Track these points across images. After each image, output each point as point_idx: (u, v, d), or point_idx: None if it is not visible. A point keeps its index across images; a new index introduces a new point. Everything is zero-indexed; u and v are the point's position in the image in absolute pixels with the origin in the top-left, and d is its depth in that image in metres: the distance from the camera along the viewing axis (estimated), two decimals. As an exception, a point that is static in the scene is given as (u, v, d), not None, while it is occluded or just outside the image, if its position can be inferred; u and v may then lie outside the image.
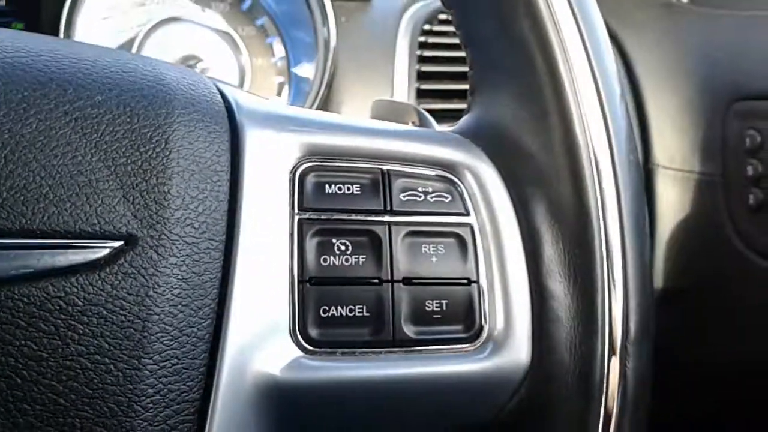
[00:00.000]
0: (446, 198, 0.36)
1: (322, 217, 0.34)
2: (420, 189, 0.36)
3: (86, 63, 0.32)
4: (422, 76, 0.84)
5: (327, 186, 0.35)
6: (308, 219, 0.34)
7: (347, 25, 0.83)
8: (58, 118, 0.30)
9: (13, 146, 0.28)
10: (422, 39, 0.86)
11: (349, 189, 0.35)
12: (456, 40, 0.87)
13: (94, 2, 0.80)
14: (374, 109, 0.48)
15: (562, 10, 0.36)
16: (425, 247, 0.35)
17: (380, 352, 0.32)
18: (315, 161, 0.35)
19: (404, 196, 0.35)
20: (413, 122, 0.45)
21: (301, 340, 0.32)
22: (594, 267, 0.34)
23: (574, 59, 0.36)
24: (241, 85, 0.83)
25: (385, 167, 0.36)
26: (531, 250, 0.35)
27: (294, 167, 0.34)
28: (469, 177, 0.37)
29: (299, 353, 0.31)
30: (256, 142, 0.34)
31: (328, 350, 0.32)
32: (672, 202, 0.84)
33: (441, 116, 0.84)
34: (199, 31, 0.83)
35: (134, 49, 0.80)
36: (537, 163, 0.36)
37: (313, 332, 0.32)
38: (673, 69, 0.86)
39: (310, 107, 0.79)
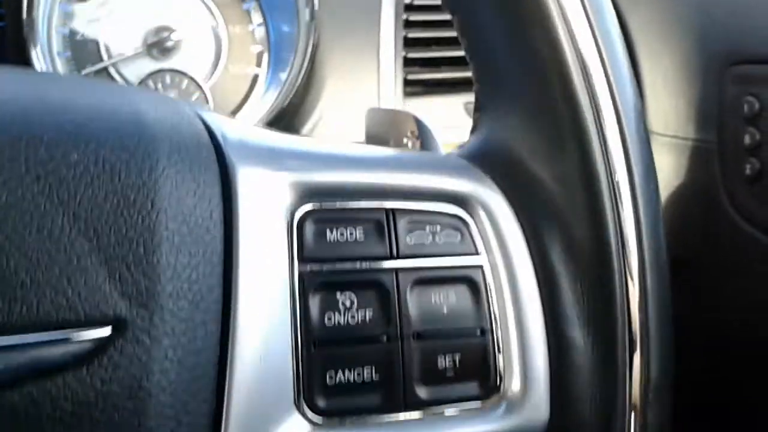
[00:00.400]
0: (456, 237, 0.34)
1: (325, 268, 0.31)
2: (428, 229, 0.33)
3: (57, 112, 0.29)
4: (409, 43, 0.80)
5: (328, 232, 0.32)
6: (310, 272, 0.31)
7: (328, -11, 0.78)
8: (30, 185, 0.27)
9: None
10: (407, 0, 0.81)
11: (352, 234, 0.32)
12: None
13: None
14: (368, 119, 0.45)
15: (577, 20, 0.33)
16: (435, 295, 0.32)
17: (392, 419, 0.31)
18: (314, 203, 0.32)
19: (411, 238, 0.33)
20: (412, 132, 0.42)
21: (307, 411, 0.30)
22: (614, 313, 0.32)
23: (593, 77, 0.33)
24: (217, 56, 0.78)
25: (389, 205, 0.33)
26: (547, 293, 0.33)
27: (292, 212, 0.32)
28: (479, 212, 0.34)
29: (307, 427, 0.29)
30: (249, 186, 0.31)
31: (337, 419, 0.30)
32: (666, 171, 0.82)
33: (429, 85, 0.81)
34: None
35: (103, 21, 0.75)
36: (551, 195, 0.34)
37: (321, 402, 0.30)
38: (668, 26, 0.82)
39: (294, 81, 0.75)
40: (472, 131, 0.37)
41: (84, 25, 0.75)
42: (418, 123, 0.42)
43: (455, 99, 0.80)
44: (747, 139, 0.74)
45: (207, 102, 0.77)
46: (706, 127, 0.78)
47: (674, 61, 0.81)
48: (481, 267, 0.33)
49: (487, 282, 0.33)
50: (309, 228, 0.32)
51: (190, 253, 0.28)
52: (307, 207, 0.32)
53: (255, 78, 0.80)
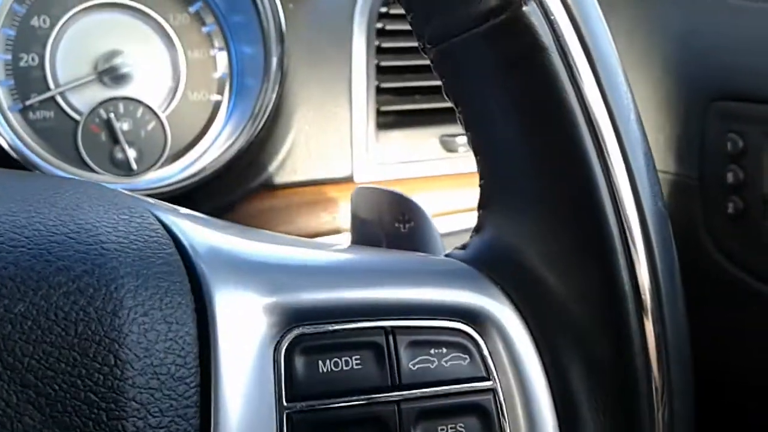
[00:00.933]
0: (464, 359, 0.30)
1: (317, 406, 0.27)
2: (432, 351, 0.29)
3: (0, 250, 0.24)
4: (381, 71, 0.75)
5: (320, 363, 0.28)
6: (300, 412, 0.27)
7: (295, 13, 0.73)
8: None
9: None
10: (379, 25, 0.77)
11: (347, 363, 0.28)
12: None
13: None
14: (355, 199, 0.40)
15: (603, 123, 0.30)
16: (443, 430, 0.29)
17: None
18: (302, 329, 0.28)
19: (414, 364, 0.29)
20: (404, 213, 0.38)
21: None
22: None
23: (620, 185, 0.29)
24: (175, 83, 0.73)
25: (388, 324, 0.29)
26: (567, 422, 0.30)
27: (278, 342, 0.28)
28: (490, 329, 0.30)
29: None
30: (228, 316, 0.27)
31: None
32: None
33: (403, 115, 0.77)
34: (124, 22, 0.71)
35: (49, 46, 0.68)
36: (569, 310, 0.30)
37: None
38: (649, 58, 0.80)
39: (260, 113, 0.70)
40: (476, 230, 0.33)
41: (27, 50, 0.68)
42: (412, 205, 0.38)
43: (431, 131, 0.76)
44: (730, 177, 0.72)
45: (164, 132, 0.72)
46: (687, 163, 0.76)
47: (655, 95, 0.78)
48: (492, 392, 0.30)
49: (500, 409, 0.29)
50: (298, 360, 0.28)
51: (161, 411, 0.24)
52: (295, 333, 0.28)
53: (217, 106, 0.74)
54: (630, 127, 0.30)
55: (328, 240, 0.70)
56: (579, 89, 0.29)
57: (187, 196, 0.67)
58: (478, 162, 0.33)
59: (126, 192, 0.32)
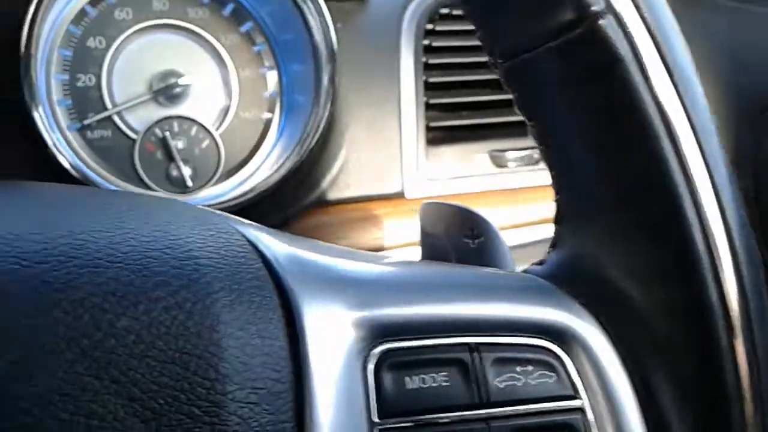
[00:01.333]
0: (551, 377, 0.29)
1: (408, 423, 0.27)
2: (519, 368, 0.29)
3: (99, 266, 0.24)
4: (429, 87, 0.76)
5: (408, 379, 0.28)
6: (391, 429, 0.27)
7: (343, 31, 0.74)
8: (74, 361, 0.22)
9: (29, 405, 0.21)
10: (426, 42, 0.77)
11: (434, 380, 0.28)
12: (463, 42, 0.79)
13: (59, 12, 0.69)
14: (423, 215, 0.40)
15: (685, 138, 0.29)
16: None
17: None
18: (388, 343, 0.28)
19: (501, 381, 0.29)
20: (473, 229, 0.38)
21: None
22: None
23: (703, 199, 0.29)
24: (228, 103, 0.74)
25: (473, 340, 0.29)
26: None
27: (365, 357, 0.28)
28: (574, 345, 0.30)
29: None
30: (318, 330, 0.27)
31: None
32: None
33: (451, 131, 0.77)
34: (178, 43, 0.73)
35: (105, 66, 0.70)
36: (654, 325, 0.30)
37: None
38: (699, 69, 0.79)
39: (312, 130, 0.70)
40: (553, 245, 0.33)
41: (84, 70, 0.70)
42: (480, 220, 0.37)
43: (480, 146, 0.76)
44: (787, 190, 0.71)
45: (218, 150, 0.73)
46: (742, 175, 0.75)
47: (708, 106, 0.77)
48: (581, 411, 0.29)
49: (590, 429, 0.29)
50: (387, 376, 0.28)
51: (261, 426, 0.24)
52: (382, 348, 0.28)
53: (268, 123, 0.75)
54: (711, 139, 0.30)
55: (396, 255, 0.70)
56: (658, 101, 0.29)
57: (242, 212, 0.68)
58: (552, 177, 0.32)
59: (206, 208, 0.33)
